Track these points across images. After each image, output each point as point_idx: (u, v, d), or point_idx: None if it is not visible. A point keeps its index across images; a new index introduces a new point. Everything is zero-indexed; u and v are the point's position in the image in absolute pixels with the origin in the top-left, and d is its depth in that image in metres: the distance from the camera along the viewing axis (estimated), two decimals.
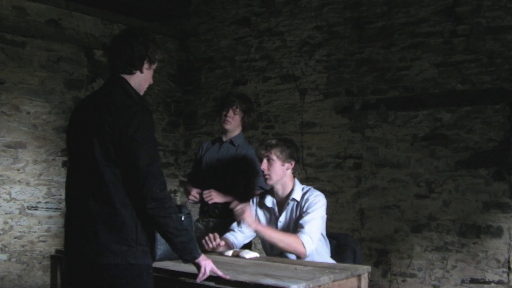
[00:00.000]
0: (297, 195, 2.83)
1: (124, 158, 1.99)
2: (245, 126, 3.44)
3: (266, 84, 5.02)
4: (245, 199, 3.11)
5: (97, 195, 2.01)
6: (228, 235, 2.94)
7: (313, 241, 2.68)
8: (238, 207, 2.74)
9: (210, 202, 3.25)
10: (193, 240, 2.13)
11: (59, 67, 4.72)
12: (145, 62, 2.16)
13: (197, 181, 3.48)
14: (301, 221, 2.73)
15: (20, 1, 4.46)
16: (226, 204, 3.22)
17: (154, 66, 2.22)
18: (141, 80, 2.18)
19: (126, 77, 2.14)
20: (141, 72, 2.16)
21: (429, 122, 4.03)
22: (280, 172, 2.82)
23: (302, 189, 2.87)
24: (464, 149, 3.87)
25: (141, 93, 2.21)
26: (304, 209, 2.77)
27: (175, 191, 5.66)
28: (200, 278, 2.14)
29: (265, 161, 2.82)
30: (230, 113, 3.34)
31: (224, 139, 3.43)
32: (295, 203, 2.84)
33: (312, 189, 2.88)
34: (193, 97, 5.63)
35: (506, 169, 3.70)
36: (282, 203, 2.90)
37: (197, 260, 2.12)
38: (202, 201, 3.36)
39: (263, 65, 5.06)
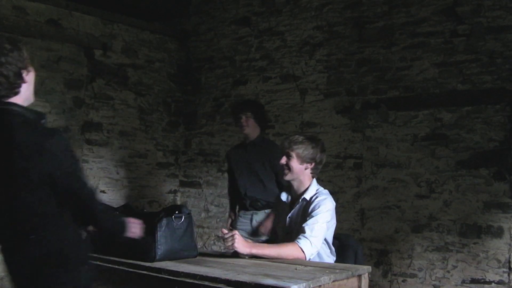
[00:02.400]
0: (308, 195, 2.83)
1: (64, 191, 1.97)
2: (262, 126, 3.83)
3: (266, 84, 5.02)
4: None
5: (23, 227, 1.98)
6: None
7: (313, 244, 2.64)
8: (227, 236, 2.65)
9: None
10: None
11: (59, 67, 4.71)
12: (23, 73, 2.02)
13: (237, 189, 3.89)
14: (303, 225, 2.70)
15: (20, 1, 4.45)
16: (267, 197, 3.67)
17: (30, 64, 2.08)
18: (26, 90, 2.07)
19: (13, 99, 2.01)
20: (25, 82, 2.05)
21: (429, 122, 4.03)
22: (297, 170, 2.83)
23: (316, 190, 2.86)
24: (465, 149, 3.86)
25: (32, 99, 2.13)
26: (309, 211, 2.75)
27: (175, 191, 5.66)
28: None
29: (284, 157, 2.84)
30: (243, 119, 3.74)
31: (247, 141, 3.84)
32: (305, 202, 2.83)
33: (322, 192, 2.85)
34: (193, 97, 5.62)
35: (506, 169, 3.70)
36: (294, 199, 2.91)
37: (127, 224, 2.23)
38: (239, 196, 3.83)
39: (263, 65, 5.05)
